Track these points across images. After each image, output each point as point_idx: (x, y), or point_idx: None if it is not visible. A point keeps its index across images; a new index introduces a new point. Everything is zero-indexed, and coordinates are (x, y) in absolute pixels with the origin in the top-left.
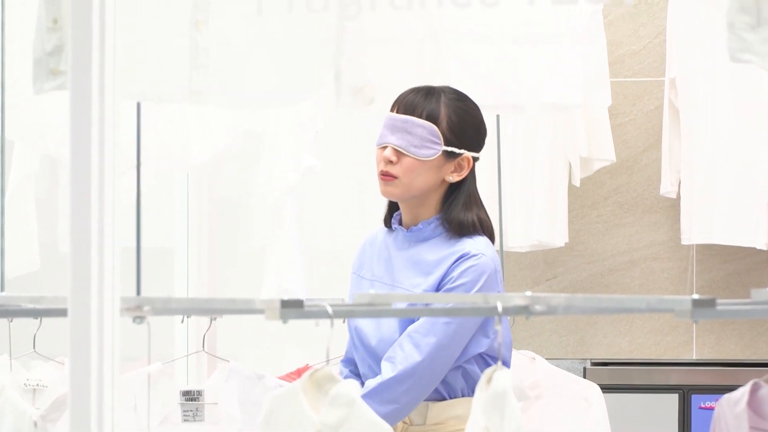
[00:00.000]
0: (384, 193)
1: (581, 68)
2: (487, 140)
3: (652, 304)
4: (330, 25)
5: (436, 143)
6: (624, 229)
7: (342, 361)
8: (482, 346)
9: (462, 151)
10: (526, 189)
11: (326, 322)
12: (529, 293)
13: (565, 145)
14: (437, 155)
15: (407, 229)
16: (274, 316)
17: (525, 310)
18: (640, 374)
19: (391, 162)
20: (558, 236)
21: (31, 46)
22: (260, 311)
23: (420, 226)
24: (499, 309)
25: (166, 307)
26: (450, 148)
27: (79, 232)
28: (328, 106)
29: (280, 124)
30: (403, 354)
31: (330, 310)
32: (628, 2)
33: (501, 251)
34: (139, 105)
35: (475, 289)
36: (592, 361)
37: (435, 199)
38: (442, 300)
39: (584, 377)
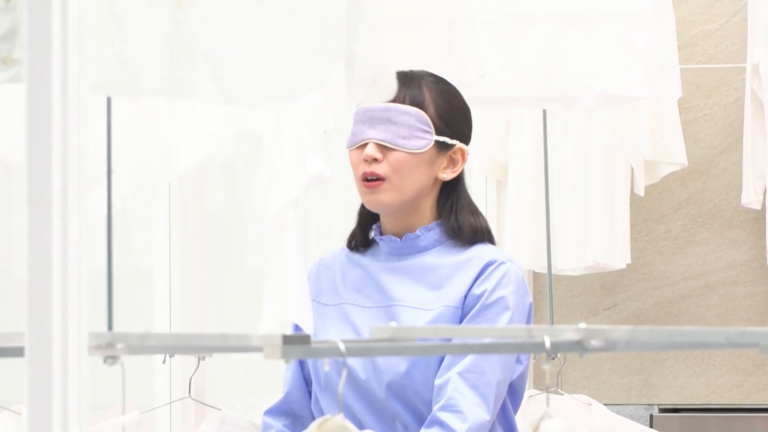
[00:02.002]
0: (371, 203)
1: (645, 53)
2: (532, 140)
3: (733, 338)
4: (341, 4)
5: (427, 132)
6: (698, 248)
7: (268, 412)
8: (515, 374)
9: (454, 141)
10: (580, 200)
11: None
12: (583, 325)
13: (626, 146)
14: (430, 146)
15: (400, 238)
16: (274, 355)
17: (578, 346)
18: (718, 423)
19: (375, 160)
20: (618, 257)
21: None
22: (258, 349)
23: (418, 232)
24: (547, 345)
25: (144, 345)
26: (442, 138)
27: (37, 253)
28: (338, 100)
29: (281, 122)
30: (467, 401)
31: (342, 347)
32: None
33: (549, 275)
34: (109, 100)
35: (513, 302)
36: (660, 407)
37: (428, 205)
38: (480, 334)
39: (651, 426)
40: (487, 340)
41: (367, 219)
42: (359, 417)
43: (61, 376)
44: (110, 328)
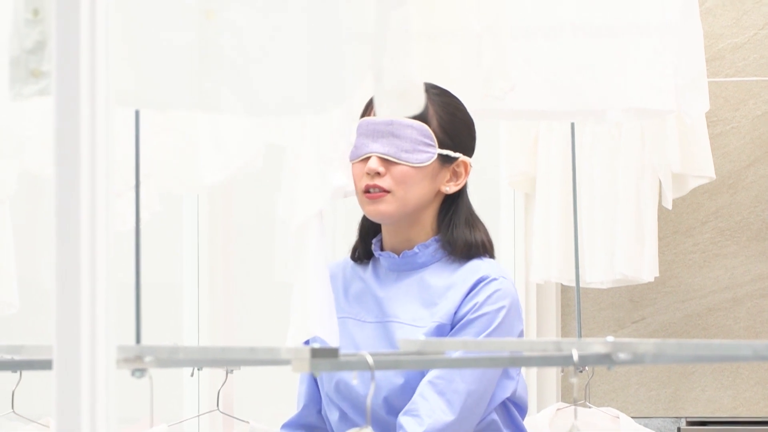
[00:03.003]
0: (372, 214)
1: (673, 66)
2: (560, 154)
3: (760, 351)
4: (369, 16)
5: (430, 145)
6: (726, 261)
7: (285, 425)
8: (507, 390)
9: (457, 154)
10: (608, 212)
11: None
12: (611, 338)
13: (654, 159)
14: (433, 160)
15: (398, 254)
16: (303, 368)
17: (606, 359)
18: None
19: (378, 174)
20: (646, 270)
21: (6, 42)
22: (287, 362)
23: (416, 250)
24: (575, 358)
25: (173, 358)
26: (445, 151)
27: (65, 266)
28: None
29: (305, 135)
30: (429, 406)
31: (370, 360)
32: None
33: (577, 288)
34: (137, 113)
35: (499, 318)
36: (688, 419)
37: (429, 217)
38: (509, 347)
39: None
40: (507, 353)
41: (368, 231)
42: None
43: (90, 389)
44: (138, 341)
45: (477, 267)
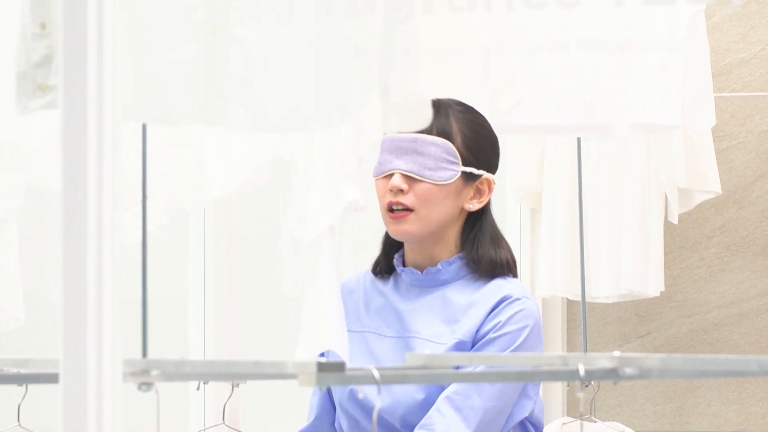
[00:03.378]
0: (396, 233)
1: (679, 81)
2: (566, 168)
3: (766, 366)
4: (376, 31)
5: (454, 163)
6: (732, 276)
7: None
8: (526, 410)
9: (481, 171)
10: (614, 227)
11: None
12: (617, 353)
13: (660, 174)
14: (456, 178)
15: (421, 271)
16: (309, 382)
17: (612, 374)
18: None
19: (401, 191)
20: (652, 284)
21: (13, 56)
22: (293, 376)
23: (439, 266)
24: (582, 372)
25: (179, 372)
26: (468, 169)
27: (72, 280)
28: (373, 128)
29: (315, 150)
30: (445, 421)
31: (377, 374)
32: (736, 2)
33: (583, 302)
34: (144, 127)
35: (522, 338)
36: None
37: (453, 234)
38: (514, 361)
39: None
40: (519, 368)
41: (391, 246)
42: None
43: (96, 402)
44: (145, 354)
45: (500, 286)
